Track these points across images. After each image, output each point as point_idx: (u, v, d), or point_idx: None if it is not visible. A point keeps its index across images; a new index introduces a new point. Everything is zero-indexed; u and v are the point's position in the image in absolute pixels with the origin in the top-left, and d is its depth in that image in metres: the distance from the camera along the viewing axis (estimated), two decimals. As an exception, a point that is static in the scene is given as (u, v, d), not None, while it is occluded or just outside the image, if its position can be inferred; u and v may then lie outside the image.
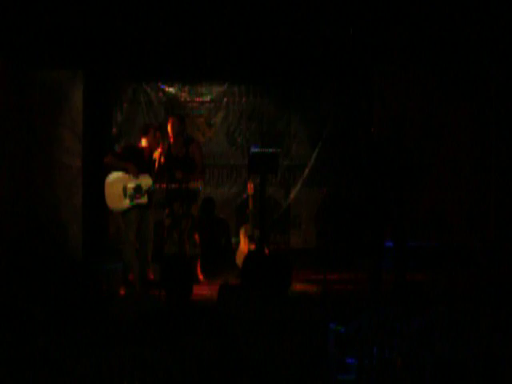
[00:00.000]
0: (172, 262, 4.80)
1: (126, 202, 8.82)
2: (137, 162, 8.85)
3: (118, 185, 8.82)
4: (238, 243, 10.10)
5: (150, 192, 8.84)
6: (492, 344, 5.31)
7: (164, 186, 8.94)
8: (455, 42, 10.85)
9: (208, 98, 11.79)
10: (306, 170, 11.90)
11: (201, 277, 9.43)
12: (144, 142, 9.00)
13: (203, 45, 10.85)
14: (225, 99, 11.81)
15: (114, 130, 11.51)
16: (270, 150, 9.52)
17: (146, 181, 8.83)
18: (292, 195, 11.94)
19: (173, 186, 8.91)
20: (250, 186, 10.02)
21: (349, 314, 5.76)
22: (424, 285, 7.51)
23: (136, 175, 8.80)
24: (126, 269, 8.97)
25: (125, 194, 8.83)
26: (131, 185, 8.82)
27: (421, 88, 11.55)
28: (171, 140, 9.25)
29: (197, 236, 9.33)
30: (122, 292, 8.71)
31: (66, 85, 10.93)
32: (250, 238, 9.81)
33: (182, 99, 11.71)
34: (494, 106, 11.29)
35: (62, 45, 10.46)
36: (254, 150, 9.49)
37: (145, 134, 9.00)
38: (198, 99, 11.77)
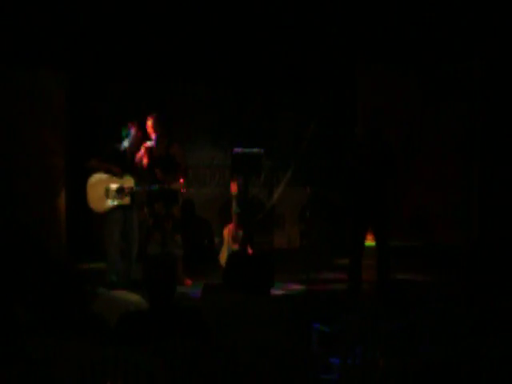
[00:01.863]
0: (155, 262, 4.78)
1: (108, 203, 8.81)
2: (120, 163, 8.85)
3: (100, 186, 8.83)
4: (221, 243, 10.09)
5: (132, 193, 8.83)
6: (475, 344, 5.32)
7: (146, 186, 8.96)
8: (439, 41, 10.89)
9: (191, 98, 11.76)
10: (290, 170, 11.90)
11: (187, 281, 9.38)
12: (126, 143, 8.99)
13: (187, 46, 10.84)
14: (208, 99, 11.78)
15: (98, 130, 11.47)
16: (253, 151, 9.52)
17: (128, 182, 8.83)
18: (275, 195, 11.94)
19: (155, 186, 8.91)
20: (234, 187, 10.02)
21: (332, 314, 5.76)
22: (407, 285, 7.53)
23: (120, 176, 8.80)
24: (110, 269, 8.95)
25: (107, 195, 8.83)
26: (113, 186, 8.82)
27: (405, 87, 11.59)
28: (152, 139, 9.21)
29: (179, 237, 9.30)
30: (106, 292, 8.67)
31: (49, 85, 10.88)
32: (234, 239, 9.81)
33: (166, 99, 11.68)
34: (479, 105, 11.33)
35: (44, 44, 10.41)
36: (236, 150, 9.48)
37: (126, 135, 9.00)
38: (181, 99, 11.74)
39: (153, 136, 9.21)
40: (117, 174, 8.77)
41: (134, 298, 5.66)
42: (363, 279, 8.54)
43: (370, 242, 8.75)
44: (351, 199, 8.52)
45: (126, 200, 8.82)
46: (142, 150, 9.13)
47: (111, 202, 8.81)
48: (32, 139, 10.86)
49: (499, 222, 10.79)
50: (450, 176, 11.52)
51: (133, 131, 9.01)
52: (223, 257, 9.72)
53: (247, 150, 9.53)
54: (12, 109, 10.74)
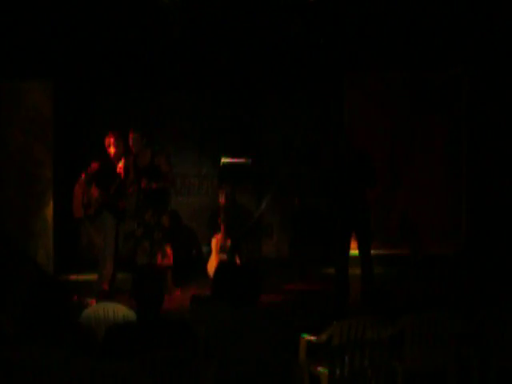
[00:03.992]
0: (143, 273, 4.77)
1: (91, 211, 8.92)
2: (106, 175, 8.90)
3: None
4: (209, 253, 10.08)
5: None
6: (462, 353, 5.34)
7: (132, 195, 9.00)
8: (426, 50, 10.92)
9: (179, 108, 11.77)
10: (278, 180, 11.91)
11: (176, 291, 9.38)
12: (111, 153, 9.05)
13: (173, 54, 10.85)
14: (195, 109, 11.78)
15: (85, 141, 11.45)
16: (241, 161, 9.53)
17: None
18: (263, 204, 11.94)
19: (141, 196, 8.96)
20: (222, 196, 10.02)
21: (320, 324, 5.76)
22: (394, 293, 7.54)
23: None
24: (100, 278, 8.97)
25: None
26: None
27: (392, 96, 11.62)
28: (133, 153, 9.20)
29: (168, 247, 9.29)
30: (93, 303, 8.67)
31: (37, 95, 10.87)
32: (222, 248, 9.80)
33: (153, 109, 11.67)
34: (466, 115, 11.37)
35: (32, 55, 10.41)
36: (224, 160, 9.50)
37: (108, 145, 9.08)
38: (168, 109, 11.75)
39: (134, 150, 9.18)
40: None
41: (121, 309, 5.65)
42: (350, 288, 8.59)
43: (354, 251, 8.82)
44: (334, 209, 8.59)
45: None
46: (123, 161, 9.14)
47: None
48: (19, 150, 10.86)
49: (487, 230, 10.82)
50: (438, 185, 11.55)
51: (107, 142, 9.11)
52: (211, 267, 9.71)
53: (235, 160, 9.55)
54: (0, 120, 10.74)
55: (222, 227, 9.94)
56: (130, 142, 9.17)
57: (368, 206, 8.70)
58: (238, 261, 9.47)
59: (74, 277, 10.16)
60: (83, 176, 9.14)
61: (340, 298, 8.47)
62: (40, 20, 9.97)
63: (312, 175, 11.34)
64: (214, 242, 9.91)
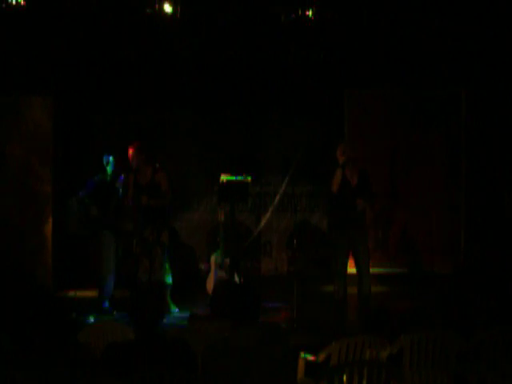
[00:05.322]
0: (142, 291, 4.77)
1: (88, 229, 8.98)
2: (102, 193, 8.95)
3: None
4: (208, 271, 10.06)
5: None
6: (461, 372, 5.33)
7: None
8: (426, 65, 10.96)
9: (178, 125, 11.79)
10: (277, 197, 11.90)
11: (171, 307, 9.36)
12: (110, 170, 9.08)
13: (174, 71, 10.88)
14: (195, 126, 11.79)
15: (85, 157, 11.45)
16: (240, 178, 9.53)
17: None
18: (263, 222, 11.94)
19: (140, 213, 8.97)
20: (221, 214, 10.01)
21: (319, 342, 5.76)
22: (392, 312, 7.52)
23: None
24: (101, 296, 8.98)
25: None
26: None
27: (392, 113, 11.64)
28: (133, 169, 9.18)
29: (167, 264, 9.28)
30: (92, 320, 8.66)
31: (37, 111, 10.89)
32: (220, 266, 9.79)
33: (154, 126, 11.67)
34: (465, 131, 11.39)
35: (32, 71, 10.45)
36: (224, 177, 9.50)
37: (107, 163, 9.11)
38: (168, 126, 11.76)
39: (133, 166, 9.16)
40: None
41: (120, 327, 5.65)
42: (349, 306, 8.59)
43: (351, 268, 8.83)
44: (332, 225, 8.61)
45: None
46: (122, 179, 9.16)
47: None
48: (19, 165, 10.87)
49: (486, 249, 10.82)
50: (437, 202, 11.56)
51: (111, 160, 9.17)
52: (210, 284, 9.69)
53: (234, 178, 9.55)
54: (0, 135, 10.77)
55: (221, 245, 9.92)
56: (130, 157, 9.16)
57: (364, 223, 8.73)
58: (236, 279, 9.45)
59: (72, 293, 10.13)
60: (81, 193, 9.20)
61: (338, 315, 8.47)
62: (40, 36, 10.00)
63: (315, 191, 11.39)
64: (213, 260, 9.89)
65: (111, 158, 9.14)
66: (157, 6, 9.34)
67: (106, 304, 9.02)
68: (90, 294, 9.73)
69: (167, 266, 9.24)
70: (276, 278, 11.60)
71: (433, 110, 11.56)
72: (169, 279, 9.22)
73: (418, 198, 11.57)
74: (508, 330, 5.63)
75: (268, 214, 11.92)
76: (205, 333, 5.46)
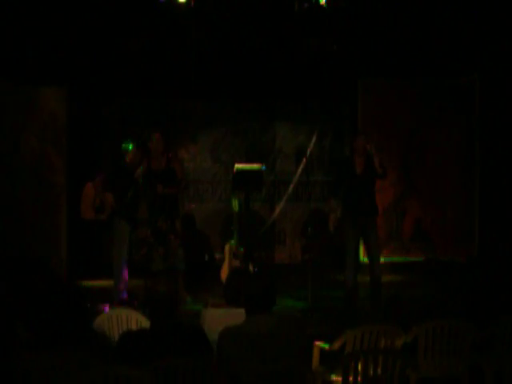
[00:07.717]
0: (157, 279, 4.78)
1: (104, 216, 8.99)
2: (122, 181, 8.91)
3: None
4: (223, 259, 10.06)
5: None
6: (476, 361, 5.32)
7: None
8: (440, 54, 10.92)
9: (192, 114, 11.79)
10: (291, 186, 11.91)
11: (186, 295, 9.37)
12: (128, 158, 9.02)
13: (187, 61, 10.87)
14: (209, 115, 11.80)
15: (99, 147, 11.47)
16: (254, 167, 9.53)
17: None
18: (277, 211, 11.94)
19: (156, 201, 8.95)
20: (235, 203, 10.01)
21: (334, 331, 5.76)
22: (407, 300, 7.52)
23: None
24: (116, 286, 8.98)
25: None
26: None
27: (405, 103, 11.61)
28: (152, 156, 9.18)
29: (181, 252, 9.28)
30: (106, 309, 8.67)
31: (51, 101, 10.91)
32: (235, 255, 9.78)
33: (167, 115, 11.69)
34: (479, 120, 11.34)
35: (46, 62, 10.45)
36: (238, 166, 9.49)
37: (126, 149, 9.05)
38: (182, 115, 11.77)
39: (154, 153, 9.17)
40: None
41: (135, 315, 5.66)
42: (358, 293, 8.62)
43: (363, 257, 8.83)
44: (343, 213, 8.58)
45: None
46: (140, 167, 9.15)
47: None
48: (34, 156, 10.88)
49: (500, 237, 10.78)
50: (451, 191, 11.53)
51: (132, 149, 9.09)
52: (224, 273, 9.69)
53: (248, 167, 9.54)
54: (14, 126, 10.77)
55: (235, 234, 9.92)
56: (153, 145, 9.13)
57: (377, 212, 8.69)
58: (251, 267, 9.45)
59: (86, 283, 10.17)
60: (98, 179, 9.18)
61: (350, 304, 8.47)
62: (55, 27, 10.00)
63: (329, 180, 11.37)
64: (228, 249, 9.89)
65: (130, 146, 9.09)
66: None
67: (125, 294, 9.00)
68: (104, 283, 9.74)
69: (181, 254, 9.24)
70: (290, 266, 11.61)
71: (447, 98, 11.53)
72: (182, 267, 9.22)
73: (432, 187, 11.55)
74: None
75: (282, 203, 11.92)
76: (219, 321, 5.48)
